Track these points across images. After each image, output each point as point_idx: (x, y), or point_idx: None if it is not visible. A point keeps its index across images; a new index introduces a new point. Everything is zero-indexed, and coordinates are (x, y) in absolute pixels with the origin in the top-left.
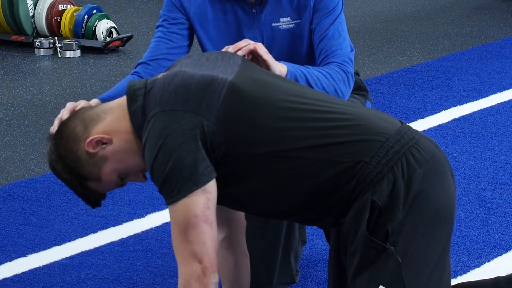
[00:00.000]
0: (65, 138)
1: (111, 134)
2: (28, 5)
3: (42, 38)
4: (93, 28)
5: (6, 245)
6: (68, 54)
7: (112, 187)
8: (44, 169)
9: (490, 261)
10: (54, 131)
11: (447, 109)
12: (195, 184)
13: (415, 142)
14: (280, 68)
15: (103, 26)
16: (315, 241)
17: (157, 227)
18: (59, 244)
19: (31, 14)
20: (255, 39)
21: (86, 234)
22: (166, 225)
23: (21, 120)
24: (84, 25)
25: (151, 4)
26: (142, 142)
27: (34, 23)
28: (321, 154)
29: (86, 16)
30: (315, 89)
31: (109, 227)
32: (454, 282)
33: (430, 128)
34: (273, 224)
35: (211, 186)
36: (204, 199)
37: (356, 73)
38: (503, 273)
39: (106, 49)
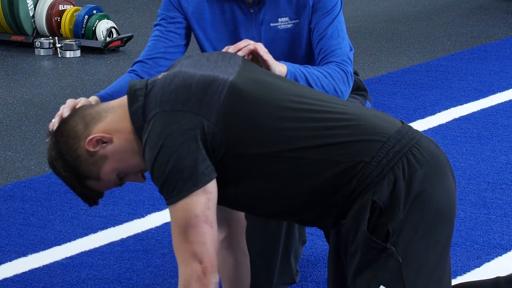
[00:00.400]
0: (66, 136)
1: (112, 134)
2: (28, 5)
3: (42, 38)
4: (93, 28)
5: (6, 245)
6: (68, 54)
7: (111, 186)
8: (44, 169)
9: (490, 261)
10: (54, 128)
11: (447, 109)
12: (195, 184)
13: (415, 142)
14: (280, 68)
15: (103, 26)
16: (315, 241)
17: (157, 227)
18: (59, 244)
19: (31, 14)
20: (253, 39)
21: (86, 234)
22: (166, 225)
23: (21, 120)
24: (84, 25)
25: (151, 4)
26: (143, 142)
27: (34, 23)
28: (322, 154)
29: (86, 16)
30: (315, 88)
31: (109, 227)
32: (454, 282)
33: (430, 128)
34: (273, 224)
35: (212, 186)
36: (204, 199)
37: (356, 73)
38: (503, 273)
39: (106, 49)
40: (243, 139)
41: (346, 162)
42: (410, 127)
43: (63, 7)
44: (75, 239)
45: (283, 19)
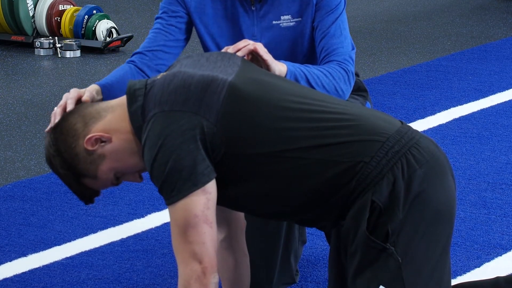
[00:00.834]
0: (65, 134)
1: (111, 133)
2: (28, 5)
3: (42, 38)
4: (93, 28)
5: (6, 245)
6: (68, 54)
7: (108, 185)
8: (44, 169)
9: (490, 261)
10: (56, 120)
11: (447, 109)
12: (195, 184)
13: (415, 142)
14: (280, 67)
15: (103, 26)
16: (315, 241)
17: (157, 227)
18: (59, 244)
19: (31, 14)
20: (254, 37)
21: (86, 234)
22: (166, 225)
23: (21, 120)
24: (84, 25)
25: (151, 4)
26: (142, 142)
27: (34, 23)
28: (321, 154)
29: (86, 16)
30: (315, 87)
31: (109, 227)
32: (454, 282)
33: (430, 128)
34: (273, 224)
35: (211, 186)
36: (204, 199)
37: (356, 74)
38: (503, 273)
39: (106, 49)
40: (242, 139)
41: (345, 162)
42: (410, 127)
43: (63, 7)
44: (75, 239)
45: (286, 17)
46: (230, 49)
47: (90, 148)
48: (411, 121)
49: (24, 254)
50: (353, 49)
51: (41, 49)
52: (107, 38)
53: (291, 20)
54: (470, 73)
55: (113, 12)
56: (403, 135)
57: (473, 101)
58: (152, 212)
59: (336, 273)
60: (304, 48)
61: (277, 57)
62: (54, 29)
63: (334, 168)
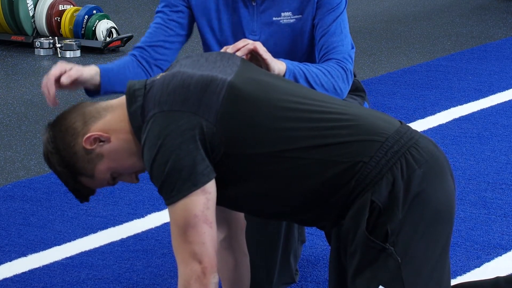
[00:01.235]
0: (64, 132)
1: (110, 133)
2: (28, 5)
3: (42, 38)
4: (93, 28)
5: (6, 245)
6: (68, 54)
7: (104, 185)
8: (44, 169)
9: (490, 261)
10: (53, 122)
11: (447, 109)
12: (195, 184)
13: (414, 142)
14: (279, 65)
15: (103, 26)
16: (314, 241)
17: (157, 227)
18: (59, 244)
19: (31, 14)
20: (253, 33)
21: (86, 234)
22: (166, 225)
23: (21, 120)
24: (84, 25)
25: (151, 4)
26: (141, 143)
27: (34, 23)
28: (321, 154)
29: (86, 16)
30: (314, 86)
31: (109, 227)
32: (454, 282)
33: (430, 128)
34: (272, 224)
35: (211, 187)
36: (204, 199)
37: (353, 74)
38: (503, 273)
39: (106, 49)
40: (242, 139)
41: (345, 162)
42: (409, 127)
43: (63, 7)
44: (75, 239)
45: (286, 13)
46: (230, 49)
47: (88, 147)
48: (411, 121)
49: (24, 254)
50: (352, 48)
51: (41, 49)
52: (107, 38)
53: (292, 17)
54: (470, 73)
55: (113, 12)
56: (402, 135)
57: (473, 101)
58: (152, 212)
59: (337, 273)
60: (303, 45)
61: (276, 53)
62: (54, 29)
63: (333, 168)
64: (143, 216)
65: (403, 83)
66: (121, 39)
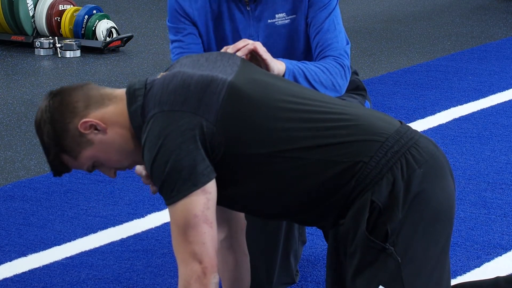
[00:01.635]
0: (64, 106)
1: (108, 124)
2: (28, 5)
3: (42, 38)
4: (93, 28)
5: (6, 245)
6: (68, 54)
7: (81, 169)
8: (44, 169)
9: (490, 261)
10: (56, 91)
11: (447, 109)
12: (195, 184)
13: (414, 142)
14: (278, 65)
15: (103, 26)
16: (315, 241)
17: (157, 227)
18: (59, 244)
19: (31, 14)
20: (251, 37)
21: (86, 234)
22: (166, 225)
23: (21, 120)
24: (84, 25)
25: (151, 4)
26: (141, 143)
27: (34, 23)
28: (321, 154)
29: (86, 16)
30: (313, 84)
31: (109, 227)
32: (454, 282)
33: (430, 128)
34: (273, 224)
35: (211, 186)
36: (204, 199)
37: (355, 73)
38: (503, 273)
39: (106, 49)
40: (242, 139)
41: (345, 162)
42: (409, 127)
43: (63, 7)
44: (75, 239)
45: (280, 15)
46: (230, 49)
47: (83, 130)
48: (411, 121)
49: (24, 254)
50: (347, 43)
51: (41, 49)
52: (107, 38)
53: (286, 18)
54: (470, 73)
55: (113, 12)
56: (402, 135)
57: (473, 101)
58: (152, 212)
59: (335, 273)
60: (300, 44)
61: (275, 54)
62: (54, 29)
63: (333, 168)
64: (143, 216)
65: (403, 83)
66: (121, 39)
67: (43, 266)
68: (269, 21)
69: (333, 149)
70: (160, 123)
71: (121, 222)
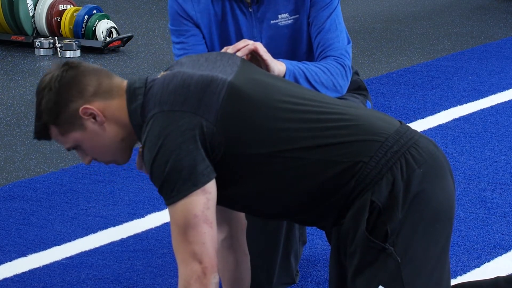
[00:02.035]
0: (75, 84)
1: (107, 118)
2: (28, 5)
3: (42, 38)
4: (93, 28)
5: (6, 245)
6: (68, 54)
7: (62, 144)
8: (44, 169)
9: (490, 261)
10: (73, 64)
11: (447, 109)
12: (195, 184)
13: (414, 142)
14: (278, 66)
15: (103, 26)
16: (315, 241)
17: (157, 227)
18: (59, 244)
19: (31, 14)
20: (254, 38)
21: (86, 234)
22: (166, 225)
23: (21, 120)
24: (84, 25)
25: (151, 4)
26: (142, 143)
27: (34, 23)
28: (320, 154)
29: (86, 16)
30: (314, 84)
31: (109, 227)
32: (454, 282)
33: (430, 128)
34: (273, 224)
35: (211, 186)
36: (204, 199)
37: (356, 73)
38: (503, 273)
39: (106, 49)
40: (242, 139)
41: (345, 162)
42: (409, 127)
43: (63, 7)
44: (75, 239)
45: (283, 15)
46: (230, 49)
47: (81, 114)
48: (411, 121)
49: (24, 254)
50: (349, 43)
51: (41, 49)
52: (107, 38)
53: (289, 18)
54: (470, 73)
55: (113, 12)
56: (402, 135)
57: (473, 101)
58: (152, 212)
59: (337, 274)
60: (303, 44)
61: (278, 55)
62: (54, 29)
63: (333, 168)
64: (143, 216)
65: (403, 83)
66: (121, 39)
67: (43, 266)
68: (271, 21)
69: (333, 149)
70: (160, 123)
71: (121, 222)
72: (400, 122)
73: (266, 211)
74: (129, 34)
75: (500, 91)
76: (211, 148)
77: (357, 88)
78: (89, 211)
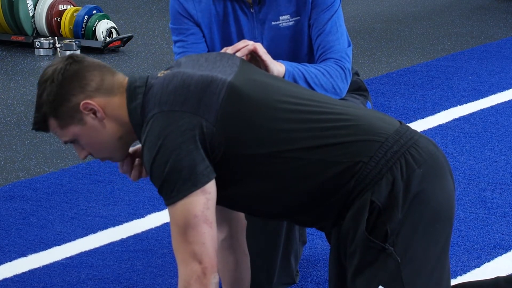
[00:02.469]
0: (78, 78)
1: (107, 115)
2: (28, 5)
3: (42, 38)
4: (93, 28)
5: (6, 245)
6: (68, 54)
7: (59, 138)
8: (44, 169)
9: (490, 261)
10: (77, 58)
11: (447, 109)
12: (194, 184)
13: (414, 142)
14: (278, 67)
15: (103, 26)
16: (315, 241)
17: (157, 227)
18: (59, 245)
19: (31, 14)
20: (255, 39)
21: (86, 235)
22: (166, 225)
23: (21, 120)
24: (84, 25)
25: (151, 4)
26: (141, 143)
27: (34, 23)
28: (320, 154)
29: (86, 17)
30: (314, 86)
31: (109, 227)
32: (454, 282)
33: (430, 128)
34: (273, 224)
35: (211, 187)
36: (204, 200)
37: (356, 73)
38: (503, 273)
39: (106, 49)
40: (242, 140)
41: (345, 162)
42: (409, 127)
43: (63, 7)
44: (75, 239)
45: (284, 17)
46: (229, 49)
47: (82, 109)
48: (411, 121)
49: (24, 254)
50: (349, 45)
51: (41, 49)
52: (107, 38)
53: (290, 20)
54: (470, 73)
55: (113, 12)
56: (402, 135)
57: (473, 101)
58: (152, 212)
59: (337, 274)
60: (304, 46)
61: (278, 56)
62: (54, 29)
63: (333, 168)
64: (143, 216)
65: (403, 83)
66: (121, 39)
67: (43, 266)
68: (273, 23)
69: (333, 149)
70: (160, 123)
71: (121, 222)
72: (400, 122)
73: (266, 211)
74: (129, 34)
75: (500, 91)
76: (211, 148)
77: (357, 88)
78: (89, 211)
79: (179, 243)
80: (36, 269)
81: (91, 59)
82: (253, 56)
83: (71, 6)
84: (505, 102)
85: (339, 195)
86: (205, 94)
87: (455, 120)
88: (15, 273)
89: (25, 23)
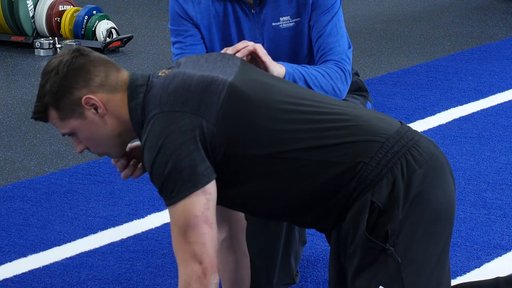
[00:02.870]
0: (83, 72)
1: (108, 112)
2: (28, 5)
3: (42, 39)
4: (93, 29)
5: (6, 246)
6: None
7: (57, 129)
8: (44, 169)
9: (490, 261)
10: (84, 51)
11: (447, 109)
12: (195, 185)
13: (414, 143)
14: (278, 68)
15: (103, 27)
16: (315, 242)
17: (157, 228)
18: (59, 245)
19: (31, 14)
20: (255, 40)
21: (86, 235)
22: (166, 226)
23: (21, 121)
24: (84, 26)
25: (151, 4)
26: (142, 143)
27: (34, 24)
28: (321, 155)
29: (86, 17)
30: (313, 88)
31: (109, 228)
32: (454, 282)
33: (430, 128)
34: (273, 225)
35: (211, 187)
36: (204, 200)
37: (356, 74)
38: (503, 273)
39: (106, 49)
40: (242, 140)
41: (345, 163)
42: (409, 127)
43: (63, 7)
44: (75, 240)
45: (285, 18)
46: (230, 50)
47: (83, 103)
48: (411, 122)
49: (24, 254)
50: (349, 47)
51: (41, 50)
52: (107, 38)
53: (291, 21)
54: (470, 73)
55: (113, 13)
56: (403, 135)
57: (473, 101)
58: (152, 213)
59: (337, 274)
60: (305, 47)
61: (279, 58)
62: (54, 29)
63: (334, 168)
64: (143, 217)
65: (403, 83)
66: (121, 40)
67: (43, 266)
68: (273, 24)
69: (334, 150)
70: (161, 123)
71: (121, 222)
72: (400, 122)
73: (266, 212)
74: (129, 35)
75: (500, 92)
76: (212, 148)
77: (357, 89)
78: (89, 211)
79: (180, 243)
80: (36, 269)
81: (97, 54)
82: (253, 57)
83: (71, 6)
84: (505, 102)
85: (340, 195)
86: (206, 95)
87: (455, 120)
88: (15, 274)
89: (25, 23)
